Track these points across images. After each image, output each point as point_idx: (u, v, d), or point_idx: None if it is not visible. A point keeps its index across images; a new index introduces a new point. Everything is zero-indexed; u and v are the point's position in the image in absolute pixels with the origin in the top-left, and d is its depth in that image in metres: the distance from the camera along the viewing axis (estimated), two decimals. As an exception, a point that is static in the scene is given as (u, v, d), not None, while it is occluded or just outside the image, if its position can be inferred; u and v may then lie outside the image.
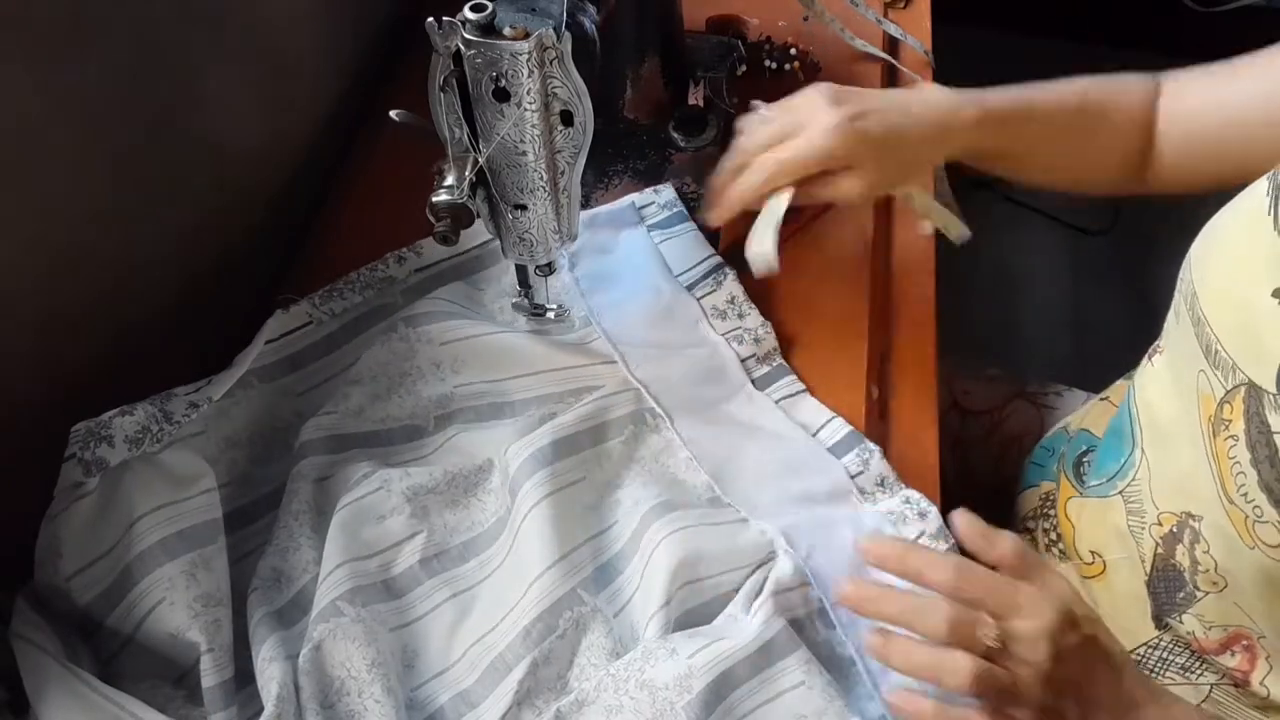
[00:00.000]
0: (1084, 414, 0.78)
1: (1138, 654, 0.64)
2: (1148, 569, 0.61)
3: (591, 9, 0.57)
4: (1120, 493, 0.64)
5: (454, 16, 0.49)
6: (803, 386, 0.66)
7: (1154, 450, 0.61)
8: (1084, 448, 0.71)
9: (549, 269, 0.62)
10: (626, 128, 0.79)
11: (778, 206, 0.60)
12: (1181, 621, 0.60)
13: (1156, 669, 0.64)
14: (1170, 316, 0.60)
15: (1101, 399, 0.77)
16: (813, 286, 0.72)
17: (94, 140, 0.56)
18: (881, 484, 0.61)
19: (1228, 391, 0.51)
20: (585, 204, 0.72)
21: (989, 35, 1.76)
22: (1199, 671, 0.62)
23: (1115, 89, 0.67)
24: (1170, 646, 0.63)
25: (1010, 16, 1.84)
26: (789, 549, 0.56)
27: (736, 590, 0.55)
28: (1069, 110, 0.65)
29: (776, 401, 0.65)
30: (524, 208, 0.57)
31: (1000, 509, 0.80)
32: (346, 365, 0.64)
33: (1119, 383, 0.75)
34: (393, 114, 0.52)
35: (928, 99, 0.62)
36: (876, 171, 0.60)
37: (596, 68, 0.55)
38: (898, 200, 0.70)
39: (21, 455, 0.52)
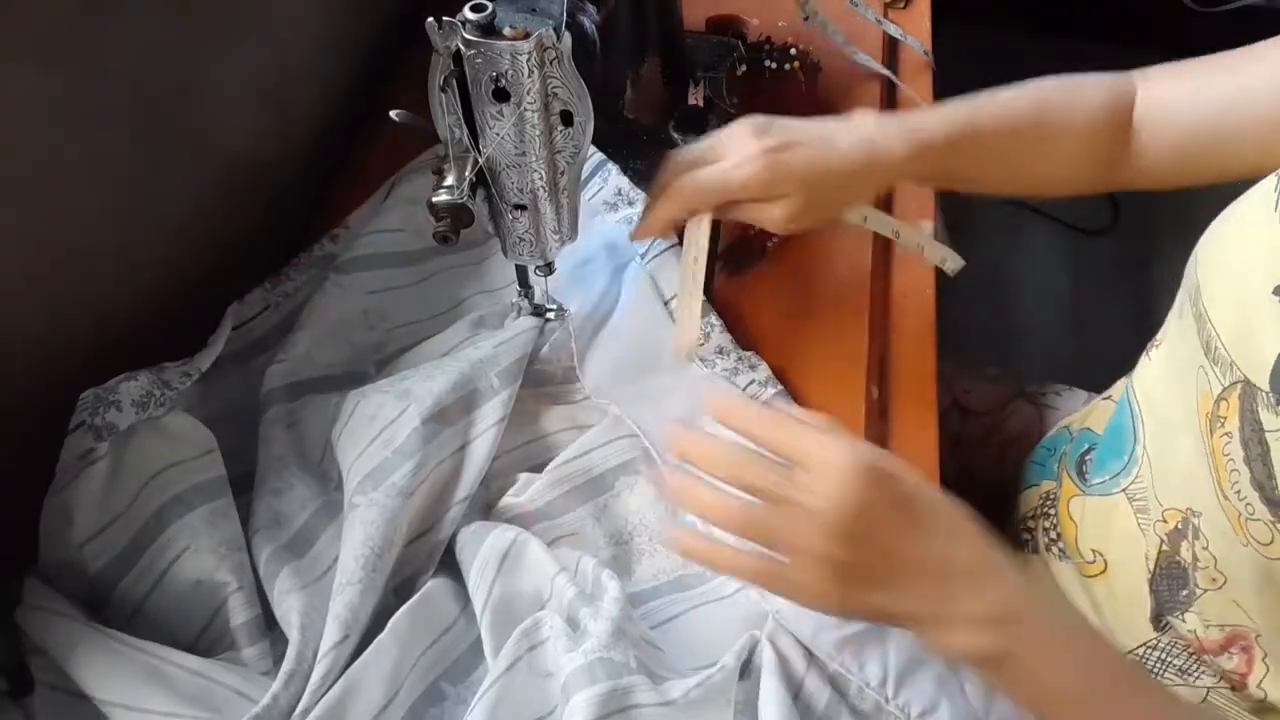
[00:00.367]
0: (1086, 413, 0.78)
1: (1136, 654, 0.64)
2: (1151, 567, 0.61)
3: (591, 9, 0.57)
4: (1124, 490, 0.64)
5: (454, 16, 0.49)
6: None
7: (1155, 446, 0.61)
8: (1086, 446, 0.71)
9: (549, 269, 0.62)
10: (626, 128, 0.79)
11: (697, 247, 0.61)
12: (1184, 620, 0.60)
13: (1155, 670, 0.64)
14: (1173, 311, 0.60)
15: (1104, 398, 0.77)
16: (812, 286, 0.72)
17: (93, 140, 0.56)
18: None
19: (1225, 388, 0.51)
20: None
21: (989, 35, 1.76)
22: (1197, 674, 0.62)
23: (1076, 91, 0.66)
24: (1169, 648, 0.63)
25: (1010, 16, 1.84)
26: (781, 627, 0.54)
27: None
28: (1021, 122, 0.64)
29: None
30: (524, 208, 0.57)
31: (1000, 509, 0.80)
32: None
33: (1120, 382, 0.75)
34: (393, 114, 0.52)
35: (856, 130, 0.61)
36: (800, 203, 0.59)
37: (596, 68, 0.55)
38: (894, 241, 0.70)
39: (21, 454, 0.52)
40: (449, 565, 0.57)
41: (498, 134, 0.52)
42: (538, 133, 0.52)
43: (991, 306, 1.64)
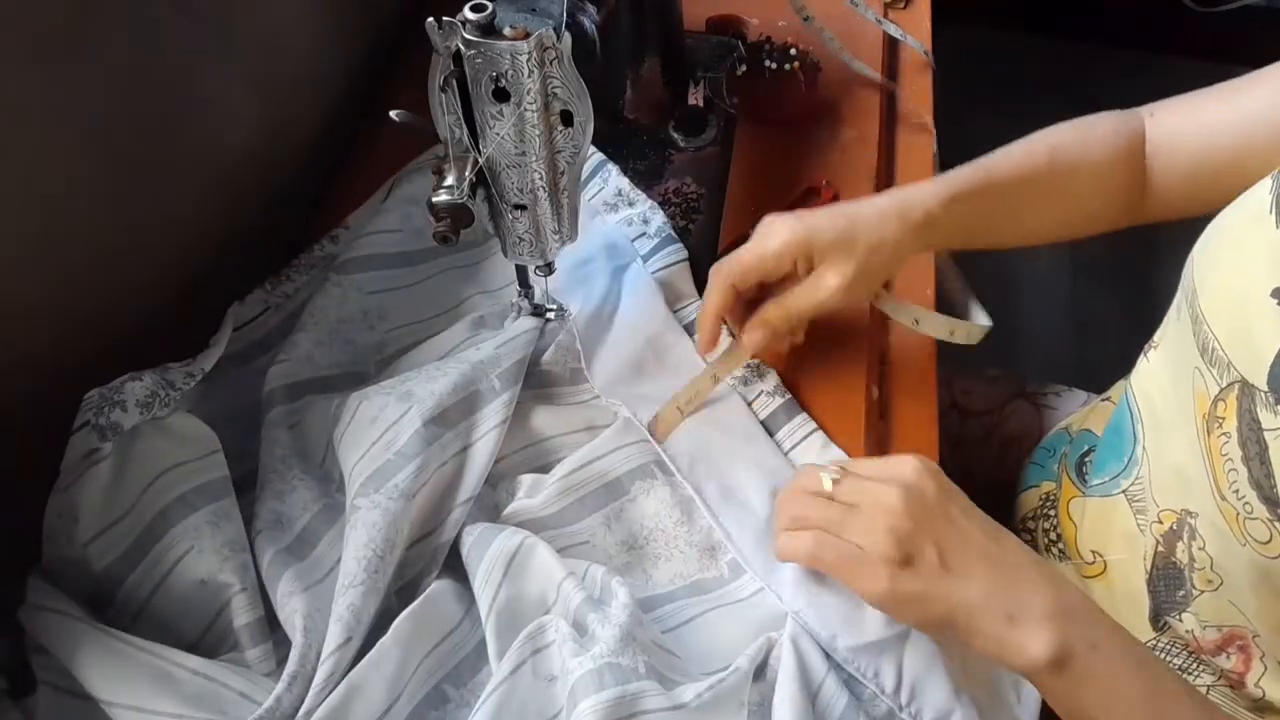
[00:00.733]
0: (1085, 414, 0.78)
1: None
2: (1148, 567, 0.61)
3: (591, 9, 0.57)
4: (1124, 491, 0.64)
5: (454, 16, 0.49)
6: (814, 426, 0.65)
7: (1154, 446, 0.61)
8: (1086, 447, 0.71)
9: (549, 269, 0.62)
10: (626, 128, 0.79)
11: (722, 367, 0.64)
12: (1181, 620, 0.60)
13: (1156, 669, 0.64)
14: (1171, 312, 0.60)
15: (1103, 399, 0.77)
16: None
17: (93, 139, 0.56)
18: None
19: (1222, 389, 0.51)
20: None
21: (989, 35, 1.77)
22: (1196, 673, 0.62)
23: (1087, 137, 0.66)
24: (1167, 648, 0.63)
25: (1010, 16, 1.84)
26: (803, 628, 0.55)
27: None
28: (1038, 170, 0.64)
29: (787, 452, 0.64)
30: (524, 208, 0.57)
31: (1000, 509, 0.80)
32: None
33: (1119, 383, 0.75)
34: (393, 114, 0.52)
35: (879, 196, 0.63)
36: (845, 261, 0.60)
37: (596, 68, 0.55)
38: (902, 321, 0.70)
39: (24, 454, 0.52)
40: (452, 568, 0.57)
41: (498, 134, 0.52)
42: (538, 133, 0.52)
43: (991, 306, 1.64)
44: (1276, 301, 0.48)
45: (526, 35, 0.48)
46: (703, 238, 0.74)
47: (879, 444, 0.66)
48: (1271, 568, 0.51)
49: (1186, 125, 0.65)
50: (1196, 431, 0.54)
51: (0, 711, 0.50)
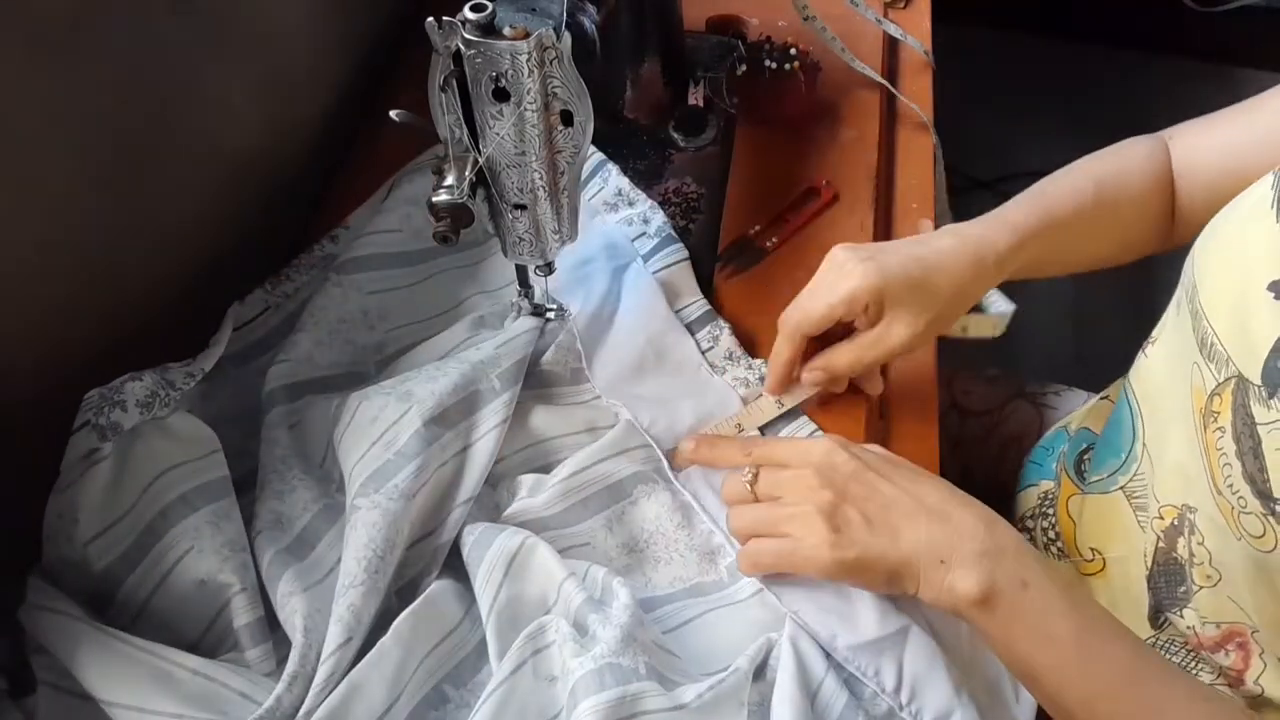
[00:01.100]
0: (1084, 413, 0.78)
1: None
2: (1149, 564, 0.61)
3: (591, 9, 0.57)
4: (1122, 488, 0.64)
5: (454, 16, 0.49)
6: (814, 427, 0.65)
7: (1154, 442, 0.61)
8: (1084, 445, 0.71)
9: (549, 269, 0.62)
10: (626, 128, 0.79)
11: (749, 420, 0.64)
12: (1181, 616, 0.60)
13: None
14: (1170, 308, 0.60)
15: (1102, 398, 0.77)
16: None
17: (93, 139, 0.56)
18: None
19: (1219, 384, 0.51)
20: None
21: (989, 35, 1.77)
22: (1196, 670, 0.62)
23: (1123, 166, 0.67)
24: (1167, 645, 0.63)
25: (1010, 16, 1.84)
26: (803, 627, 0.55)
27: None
28: (1087, 208, 0.65)
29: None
30: (524, 208, 0.57)
31: (1000, 509, 0.80)
32: None
33: (1118, 382, 0.76)
34: (393, 114, 0.52)
35: (948, 231, 0.62)
36: (918, 314, 0.59)
37: (596, 68, 0.55)
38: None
39: (24, 453, 0.52)
40: (453, 568, 0.57)
41: (498, 134, 0.52)
42: (538, 133, 0.52)
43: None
44: (1273, 295, 0.48)
45: (526, 35, 0.48)
46: (703, 238, 0.74)
47: (879, 444, 0.65)
48: (1266, 562, 0.51)
49: (1205, 146, 0.66)
50: (1193, 426, 0.54)
51: (0, 711, 0.50)
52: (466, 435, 0.58)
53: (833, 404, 0.66)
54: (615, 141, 0.77)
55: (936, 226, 0.76)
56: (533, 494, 0.59)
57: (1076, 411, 0.82)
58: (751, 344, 0.68)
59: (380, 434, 0.56)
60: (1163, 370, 0.60)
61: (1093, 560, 0.67)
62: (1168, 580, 0.60)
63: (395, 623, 0.52)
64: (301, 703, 0.49)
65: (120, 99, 0.57)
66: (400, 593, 0.56)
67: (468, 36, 0.49)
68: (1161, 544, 0.60)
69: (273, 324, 0.67)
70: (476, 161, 0.54)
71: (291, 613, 0.52)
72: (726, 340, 0.67)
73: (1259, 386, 0.49)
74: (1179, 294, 0.58)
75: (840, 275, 0.59)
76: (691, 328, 0.68)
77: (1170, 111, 0.74)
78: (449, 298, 0.71)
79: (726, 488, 0.59)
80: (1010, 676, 0.56)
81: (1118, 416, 0.66)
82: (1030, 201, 0.64)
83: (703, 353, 0.67)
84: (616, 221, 0.73)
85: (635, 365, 0.65)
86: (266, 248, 0.73)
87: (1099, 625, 0.50)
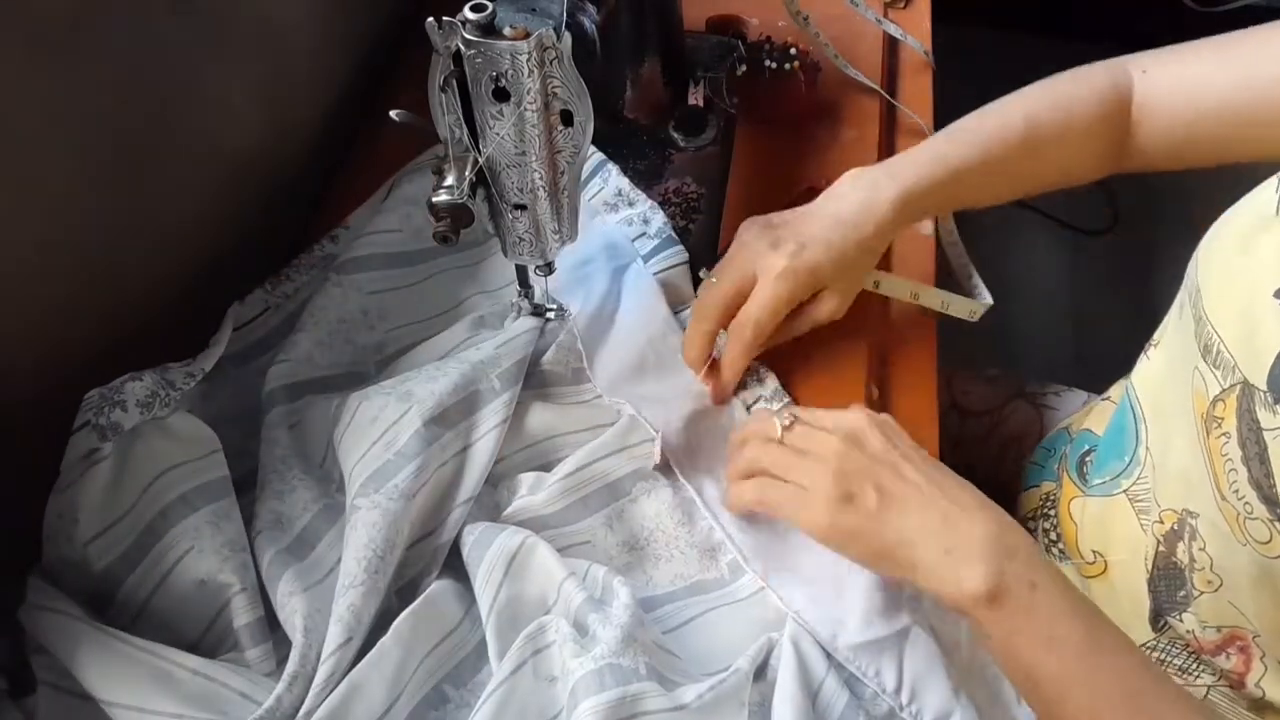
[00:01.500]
0: (1085, 414, 0.78)
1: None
2: (1150, 567, 0.61)
3: (591, 9, 0.57)
4: (1125, 491, 0.64)
5: (454, 16, 0.49)
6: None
7: (1157, 446, 0.61)
8: (1086, 447, 0.71)
9: (549, 269, 0.62)
10: (626, 128, 0.79)
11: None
12: (1181, 620, 0.60)
13: (1156, 669, 0.64)
14: (1172, 311, 0.60)
15: (1103, 399, 0.77)
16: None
17: (92, 139, 0.56)
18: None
19: (1224, 390, 0.51)
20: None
21: (989, 35, 1.76)
22: (1196, 673, 0.62)
23: (1071, 101, 0.67)
24: (1168, 648, 0.63)
25: (1010, 16, 1.84)
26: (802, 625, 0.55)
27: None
28: (1012, 143, 0.65)
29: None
30: (524, 208, 0.57)
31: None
32: None
33: (1120, 383, 0.75)
34: (393, 114, 0.52)
35: (850, 195, 0.64)
36: (841, 285, 0.64)
37: (596, 68, 0.55)
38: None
39: (23, 453, 0.52)
40: (453, 568, 0.57)
41: (498, 134, 0.52)
42: (538, 133, 0.52)
43: (991, 307, 1.64)
44: (1279, 302, 0.48)
45: (526, 35, 0.48)
46: (703, 238, 0.74)
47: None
48: (1272, 568, 0.51)
49: (1182, 82, 0.65)
50: (1195, 431, 0.54)
51: (0, 711, 0.50)
52: (466, 435, 0.58)
53: (833, 405, 0.65)
54: (615, 141, 0.77)
55: (935, 226, 0.77)
56: (533, 492, 0.59)
57: (1078, 413, 0.82)
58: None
59: (380, 434, 0.56)
60: (1164, 373, 0.60)
61: (1094, 562, 0.67)
62: (1167, 584, 0.60)
63: (395, 623, 0.52)
64: (301, 703, 0.49)
65: (120, 99, 0.57)
66: (400, 593, 0.56)
67: (468, 36, 0.49)
68: (1161, 548, 0.60)
69: (273, 324, 0.67)
70: (476, 161, 0.54)
71: (291, 613, 0.52)
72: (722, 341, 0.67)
73: (1265, 392, 0.48)
74: (1181, 296, 0.58)
75: (775, 277, 0.61)
76: None
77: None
78: (449, 298, 0.71)
79: (759, 420, 0.59)
80: None
81: (1120, 419, 0.66)
82: (937, 149, 0.65)
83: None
84: (617, 222, 0.73)
85: (636, 365, 0.65)
86: (266, 248, 0.73)
87: (1105, 636, 0.50)
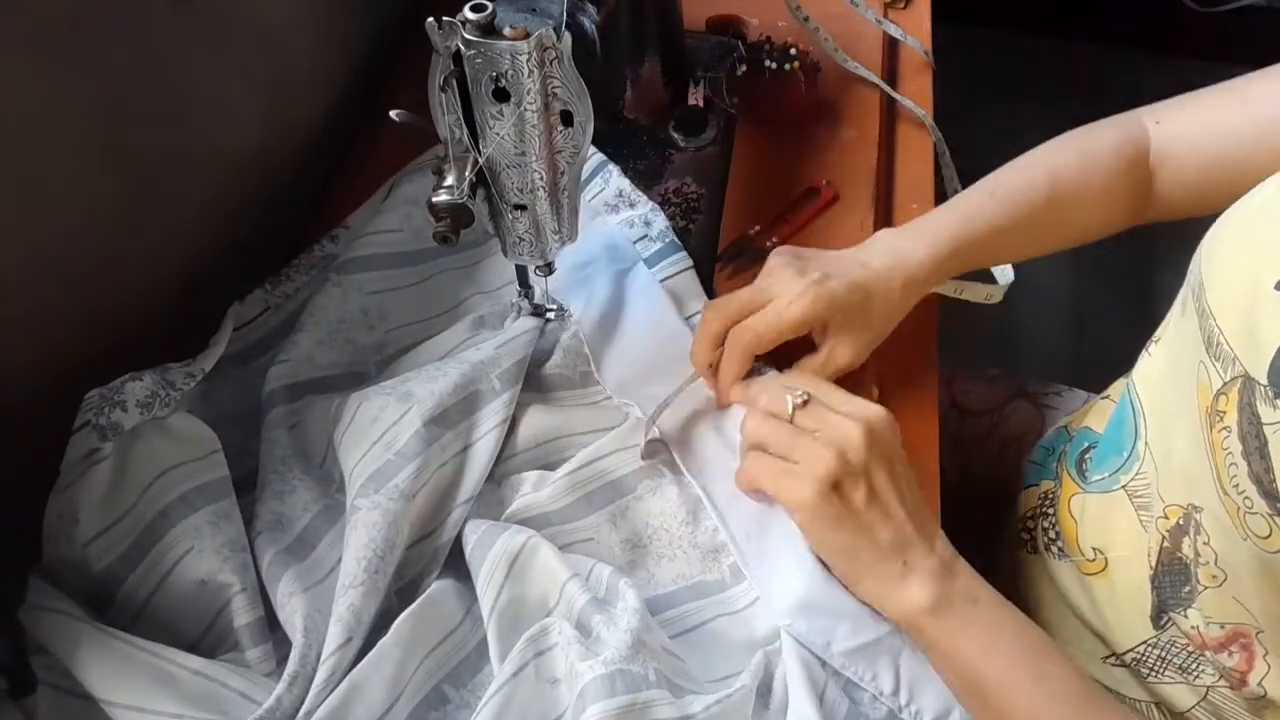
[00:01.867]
0: (1084, 412, 0.78)
1: (1137, 652, 0.64)
2: (1153, 563, 0.61)
3: (591, 9, 0.57)
4: (1124, 487, 0.64)
5: (454, 16, 0.49)
6: None
7: (1157, 442, 0.61)
8: (1085, 445, 0.71)
9: (549, 269, 0.62)
10: (626, 128, 0.79)
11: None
12: (1186, 616, 0.60)
13: (1156, 668, 0.64)
14: (1175, 306, 0.60)
15: (1103, 398, 0.77)
16: (813, 286, 0.72)
17: (92, 139, 0.56)
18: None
19: (1225, 384, 0.51)
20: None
21: (989, 35, 1.77)
22: (1197, 672, 0.62)
23: (1086, 160, 0.67)
24: (1168, 645, 0.63)
25: (1010, 16, 1.84)
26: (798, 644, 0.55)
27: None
28: (1037, 203, 0.65)
29: None
30: (524, 208, 0.57)
31: (1000, 509, 0.80)
32: None
33: (1119, 382, 0.75)
34: (393, 114, 0.52)
35: (879, 248, 0.64)
36: (859, 336, 0.63)
37: (596, 68, 0.55)
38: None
39: (24, 453, 0.52)
40: (453, 568, 0.57)
41: (498, 134, 0.52)
42: (538, 133, 0.52)
43: (992, 307, 1.64)
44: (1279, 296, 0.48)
45: (526, 35, 0.48)
46: (703, 238, 0.74)
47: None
48: (1272, 562, 0.51)
49: (1195, 130, 0.66)
50: (1199, 426, 0.54)
51: (0, 711, 0.50)
52: (466, 435, 0.58)
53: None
54: (615, 141, 0.77)
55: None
56: (537, 489, 0.59)
57: (1077, 411, 0.82)
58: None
59: (380, 434, 0.56)
60: (1167, 369, 0.60)
61: (1095, 560, 0.67)
62: (1172, 580, 0.60)
63: (395, 623, 0.52)
64: (302, 703, 0.49)
65: (120, 99, 0.57)
66: (400, 593, 0.56)
67: (468, 36, 0.49)
68: (1166, 544, 0.60)
69: (273, 324, 0.67)
70: (476, 161, 0.54)
71: (292, 613, 0.52)
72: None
73: (1265, 386, 0.48)
74: (1185, 292, 0.58)
75: (791, 299, 0.61)
76: None
77: (1170, 111, 0.74)
78: (449, 298, 0.71)
79: (767, 397, 0.57)
80: None
81: (1119, 415, 0.66)
82: (970, 208, 0.65)
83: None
84: (617, 223, 0.73)
85: (645, 370, 0.65)
86: (266, 248, 0.73)
87: (1049, 649, 0.53)
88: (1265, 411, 0.48)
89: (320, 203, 0.78)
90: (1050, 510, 0.73)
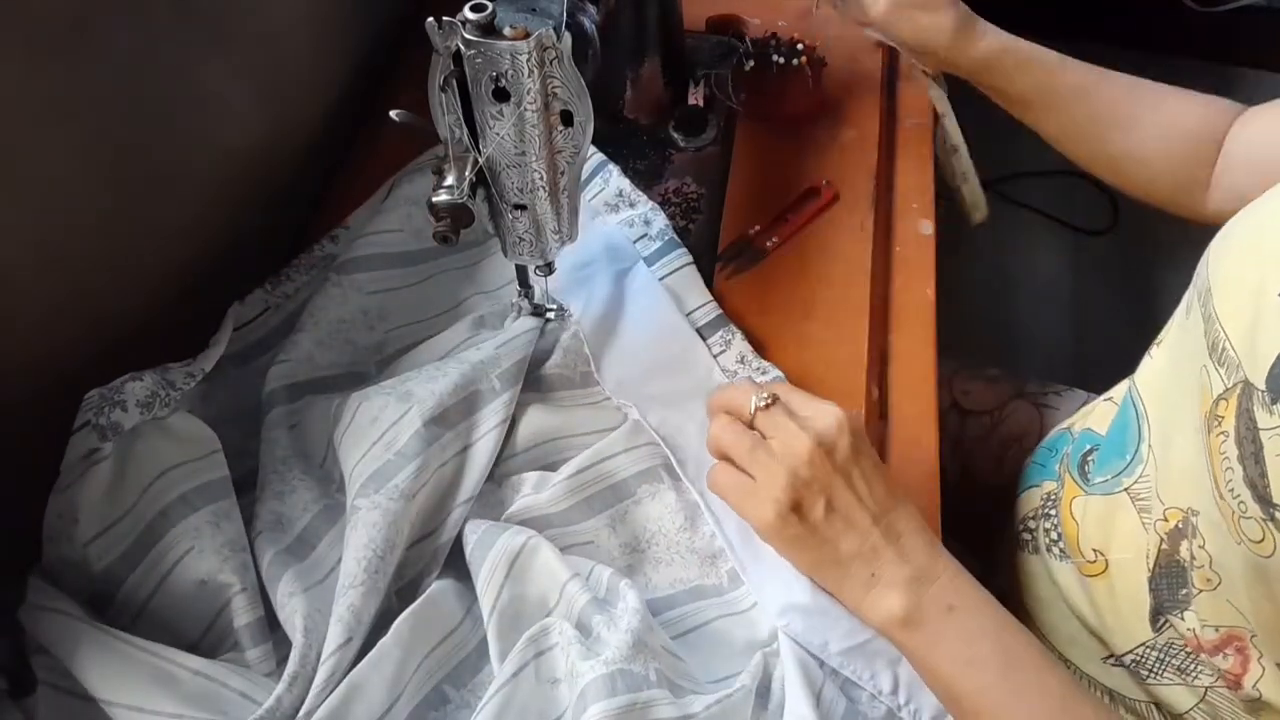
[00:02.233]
0: (1087, 414, 0.78)
1: (1136, 653, 0.64)
2: (1151, 565, 0.61)
3: (591, 9, 0.57)
4: (1126, 490, 0.64)
5: (454, 16, 0.49)
6: None
7: (1159, 445, 0.61)
8: (1088, 447, 0.71)
9: (549, 269, 0.62)
10: (626, 128, 0.79)
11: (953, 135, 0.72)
12: (1182, 619, 0.60)
13: (1155, 669, 0.64)
14: (1180, 310, 0.60)
15: (1105, 399, 0.77)
16: (812, 286, 0.72)
17: (93, 139, 0.56)
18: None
19: (1227, 389, 0.51)
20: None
21: (989, 35, 1.76)
22: (1195, 673, 0.62)
23: (1170, 101, 0.69)
24: (1166, 647, 0.63)
25: (1010, 16, 1.83)
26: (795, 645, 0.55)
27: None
28: (1120, 82, 0.68)
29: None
30: (524, 208, 0.57)
31: (1000, 509, 0.80)
32: None
33: (1122, 383, 0.75)
34: (393, 114, 0.52)
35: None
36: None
37: (596, 68, 0.55)
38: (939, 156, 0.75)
39: (24, 453, 0.52)
40: (453, 568, 0.57)
41: (498, 134, 0.52)
42: (538, 133, 0.52)
43: (991, 306, 1.64)
44: None
45: (526, 35, 0.48)
46: (703, 237, 0.74)
47: (879, 444, 0.66)
48: (1265, 567, 0.51)
49: (1265, 133, 0.66)
50: (1199, 429, 0.54)
51: (0, 711, 0.50)
52: (466, 435, 0.58)
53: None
54: (615, 141, 0.77)
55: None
56: (537, 491, 0.59)
57: (1079, 412, 0.82)
58: (752, 343, 0.68)
59: (380, 434, 0.56)
60: (1169, 372, 0.60)
61: (1095, 561, 0.67)
62: (1169, 583, 0.60)
63: (395, 623, 0.52)
64: (302, 703, 0.49)
65: (120, 99, 0.57)
66: (400, 593, 0.56)
67: (468, 36, 0.49)
68: (1164, 546, 0.60)
69: (273, 324, 0.68)
70: (476, 161, 0.54)
71: (292, 613, 0.52)
72: (739, 345, 0.67)
73: (1263, 392, 0.48)
74: (1190, 296, 0.58)
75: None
76: (702, 332, 0.68)
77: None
78: (449, 298, 0.71)
79: (731, 397, 0.57)
80: None
81: (1122, 418, 0.66)
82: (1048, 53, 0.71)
83: (714, 357, 0.67)
84: (617, 223, 0.73)
85: (645, 368, 0.65)
86: (266, 248, 0.73)
87: (1029, 655, 0.52)
88: (1262, 417, 0.48)
89: (320, 203, 0.78)
90: (1052, 511, 0.73)
